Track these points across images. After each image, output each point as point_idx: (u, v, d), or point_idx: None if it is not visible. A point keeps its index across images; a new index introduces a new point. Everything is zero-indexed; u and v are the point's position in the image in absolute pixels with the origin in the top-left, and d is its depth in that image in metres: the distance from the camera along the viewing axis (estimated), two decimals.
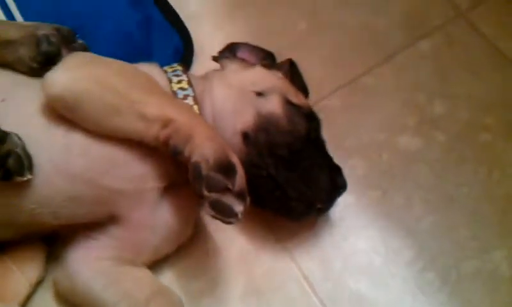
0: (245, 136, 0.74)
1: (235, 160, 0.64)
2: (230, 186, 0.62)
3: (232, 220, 0.63)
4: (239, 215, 0.62)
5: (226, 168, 0.62)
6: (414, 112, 0.92)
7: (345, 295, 0.77)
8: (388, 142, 0.90)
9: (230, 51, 0.86)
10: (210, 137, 0.64)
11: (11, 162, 0.61)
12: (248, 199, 0.64)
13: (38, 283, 0.76)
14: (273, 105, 0.76)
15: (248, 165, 0.71)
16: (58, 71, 0.66)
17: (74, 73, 0.66)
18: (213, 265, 0.79)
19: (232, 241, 0.80)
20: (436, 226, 0.82)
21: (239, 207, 0.62)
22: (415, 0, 1.05)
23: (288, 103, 0.78)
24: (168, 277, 0.77)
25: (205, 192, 0.61)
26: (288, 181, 0.73)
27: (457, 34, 1.00)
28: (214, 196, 0.61)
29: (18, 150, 0.62)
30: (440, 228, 0.82)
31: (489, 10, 1.03)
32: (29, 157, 0.63)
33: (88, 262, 0.70)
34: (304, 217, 0.78)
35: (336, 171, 0.77)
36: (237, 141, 0.74)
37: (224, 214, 0.62)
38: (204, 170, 0.61)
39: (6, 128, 0.63)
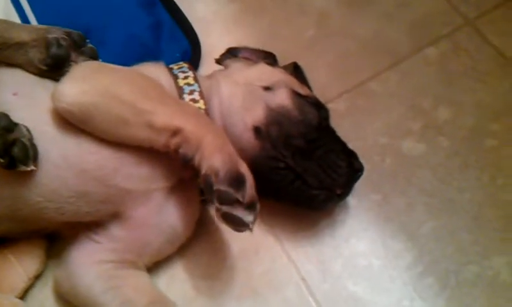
0: (257, 130, 0.75)
1: (244, 168, 0.65)
2: (240, 198, 0.63)
3: (243, 229, 0.64)
4: (250, 225, 0.64)
5: (235, 180, 0.63)
6: (419, 117, 0.92)
7: (342, 297, 0.77)
8: (392, 146, 0.89)
9: (230, 54, 0.87)
10: (219, 147, 0.65)
11: (16, 150, 0.62)
12: (258, 207, 0.65)
13: (37, 277, 0.77)
14: (282, 98, 0.77)
15: (264, 158, 0.73)
16: (66, 84, 0.67)
17: (81, 86, 0.67)
18: (211, 264, 0.79)
19: (230, 241, 0.81)
20: (437, 230, 0.81)
21: (249, 217, 0.64)
22: (422, 8, 1.05)
23: (296, 94, 0.78)
24: (166, 275, 0.78)
25: (217, 205, 0.63)
26: (307, 170, 0.74)
27: (464, 42, 1.00)
28: (224, 208, 0.63)
29: (25, 140, 0.63)
30: (442, 232, 0.81)
31: (497, 18, 1.02)
32: (35, 147, 0.64)
33: (89, 265, 0.71)
34: (326, 205, 0.79)
35: (351, 155, 0.78)
36: (249, 136, 0.75)
37: (236, 225, 0.64)
38: (214, 184, 0.63)
39: (18, 121, 0.65)
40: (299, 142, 0.75)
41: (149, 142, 0.67)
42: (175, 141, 0.65)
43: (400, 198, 0.84)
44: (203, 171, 0.64)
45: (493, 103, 0.93)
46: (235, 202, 0.63)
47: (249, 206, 0.64)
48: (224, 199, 0.63)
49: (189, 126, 0.65)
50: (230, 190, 0.63)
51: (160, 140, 0.66)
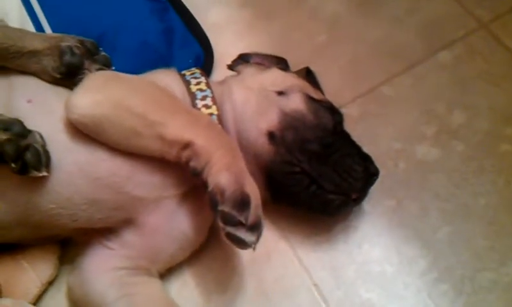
0: (271, 135, 0.75)
1: (251, 188, 0.65)
2: (243, 221, 0.63)
3: (246, 247, 0.65)
4: (252, 246, 0.64)
5: (240, 202, 0.63)
6: (433, 121, 0.91)
7: (355, 304, 0.76)
8: (406, 151, 0.89)
9: (242, 60, 0.88)
10: (228, 165, 0.65)
11: (29, 156, 0.62)
12: (263, 227, 0.65)
13: (50, 283, 0.77)
14: (296, 103, 0.77)
15: (278, 163, 0.73)
16: (78, 95, 0.68)
17: (94, 97, 0.67)
18: (223, 270, 0.79)
19: None
20: (452, 236, 0.80)
21: (251, 238, 0.64)
22: (435, 11, 1.05)
23: (310, 99, 0.78)
24: (178, 280, 0.78)
25: (220, 224, 0.64)
26: (322, 174, 0.74)
27: (479, 46, 0.99)
28: (228, 229, 0.64)
29: (38, 146, 0.64)
30: (457, 238, 0.80)
31: (511, 22, 1.01)
32: (47, 154, 0.65)
33: (102, 272, 0.71)
34: (341, 210, 0.78)
35: (367, 159, 0.77)
36: (263, 141, 0.75)
37: (238, 244, 0.65)
38: (219, 204, 0.63)
39: (32, 128, 0.65)
40: (314, 147, 0.74)
41: (160, 153, 0.67)
42: (185, 154, 0.66)
43: (415, 203, 0.83)
44: (209, 188, 0.64)
45: (508, 107, 0.92)
46: (239, 224, 0.63)
47: (252, 228, 0.64)
48: (228, 221, 0.63)
49: (200, 140, 0.65)
50: (234, 213, 0.63)
51: (171, 152, 0.66)
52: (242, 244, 0.64)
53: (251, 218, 0.63)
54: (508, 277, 0.76)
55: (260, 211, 0.65)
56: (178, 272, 0.78)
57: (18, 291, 0.73)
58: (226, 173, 0.64)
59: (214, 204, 0.64)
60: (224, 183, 0.63)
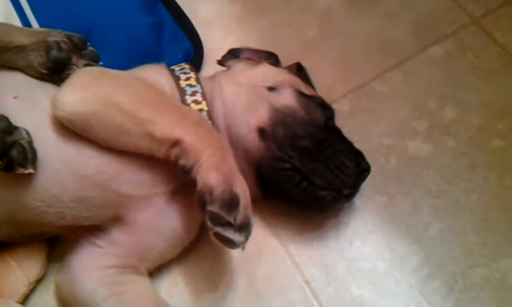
0: (261, 131, 0.74)
1: (240, 188, 0.64)
2: (231, 221, 0.62)
3: (234, 247, 0.64)
4: (241, 246, 0.64)
5: (228, 203, 0.62)
6: (424, 117, 0.91)
7: (347, 301, 0.75)
8: (397, 147, 0.88)
9: (232, 55, 0.87)
10: (217, 164, 0.64)
11: (14, 152, 0.61)
12: (252, 227, 0.65)
13: (38, 281, 0.76)
14: (287, 98, 0.76)
15: (269, 159, 0.73)
16: (65, 92, 0.67)
17: (81, 94, 0.66)
18: (213, 267, 0.79)
19: None
20: (443, 232, 0.80)
21: (239, 238, 0.64)
22: (426, 7, 1.04)
23: (301, 94, 0.77)
24: (168, 278, 0.78)
25: (209, 224, 0.63)
26: (314, 170, 0.73)
27: (470, 41, 0.98)
28: (216, 229, 0.63)
29: (24, 143, 0.62)
30: (448, 234, 0.79)
31: (503, 17, 1.01)
32: (34, 151, 0.63)
33: (91, 271, 0.70)
34: (333, 206, 0.78)
35: (358, 155, 0.77)
36: (253, 137, 0.74)
37: (227, 244, 0.64)
38: (208, 204, 0.62)
39: (18, 124, 0.64)
40: (305, 143, 0.74)
41: (149, 151, 0.66)
42: (174, 152, 0.65)
43: (406, 200, 0.83)
44: (198, 187, 0.63)
45: (499, 102, 0.91)
46: (227, 224, 0.63)
47: (241, 228, 0.63)
48: (216, 221, 0.63)
49: (189, 138, 0.64)
50: (222, 213, 0.62)
51: (160, 150, 0.66)
52: (231, 244, 0.64)
53: (239, 218, 0.63)
54: (500, 273, 0.76)
55: (249, 211, 0.64)
56: (167, 270, 0.78)
57: (5, 291, 0.72)
58: (215, 172, 0.63)
59: (202, 204, 0.63)
60: (212, 182, 0.62)
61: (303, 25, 1.04)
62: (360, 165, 0.76)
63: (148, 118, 0.65)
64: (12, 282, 0.73)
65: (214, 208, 0.62)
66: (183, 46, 0.98)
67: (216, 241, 0.64)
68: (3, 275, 0.73)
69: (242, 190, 0.64)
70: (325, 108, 0.78)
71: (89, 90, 0.67)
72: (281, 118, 0.74)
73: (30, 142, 0.64)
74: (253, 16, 1.06)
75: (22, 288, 0.73)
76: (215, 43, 0.99)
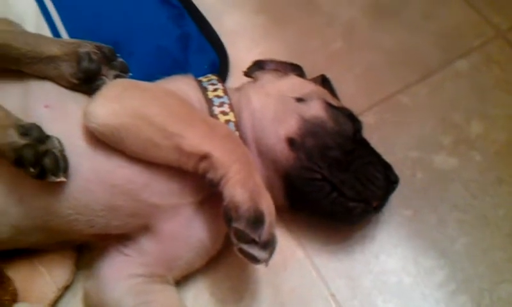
0: (290, 142, 0.74)
1: (266, 205, 0.65)
2: (256, 239, 0.63)
3: (258, 263, 0.65)
4: (264, 263, 0.65)
5: (254, 220, 0.63)
6: (450, 131, 0.90)
7: None
8: (423, 160, 0.88)
9: (258, 67, 0.87)
10: (243, 180, 0.64)
11: (47, 161, 0.62)
12: (276, 244, 0.66)
13: (66, 288, 0.77)
14: (316, 109, 0.76)
15: (299, 169, 0.73)
16: (97, 104, 0.68)
17: (112, 107, 0.67)
18: (239, 278, 0.79)
19: None
20: (470, 247, 0.79)
21: (263, 256, 0.64)
22: (453, 20, 1.04)
23: (330, 106, 0.78)
24: (194, 288, 0.78)
25: (234, 240, 0.64)
26: (344, 181, 0.73)
27: (496, 54, 0.98)
28: (240, 245, 0.64)
29: (56, 152, 0.64)
30: (475, 249, 0.79)
31: None
32: (65, 159, 0.65)
33: (119, 280, 0.71)
34: (362, 218, 0.78)
35: (387, 167, 0.77)
36: (282, 147, 0.74)
37: (250, 260, 0.65)
38: (233, 220, 0.63)
39: (49, 133, 0.65)
40: (335, 154, 0.74)
41: (178, 163, 0.67)
42: (202, 166, 0.66)
43: (432, 214, 0.83)
44: (224, 202, 0.64)
45: None
46: (252, 241, 0.63)
47: (265, 245, 0.64)
48: (241, 238, 0.63)
49: (217, 152, 0.65)
50: (247, 231, 0.63)
51: (189, 163, 0.66)
52: (255, 260, 0.64)
53: (264, 236, 0.63)
54: None
55: (273, 228, 0.65)
56: (193, 280, 0.78)
57: (34, 296, 0.73)
58: (241, 188, 0.64)
59: (228, 220, 0.64)
60: (239, 199, 0.63)
61: (327, 38, 1.05)
62: (389, 177, 0.76)
63: (177, 132, 0.65)
64: (41, 287, 0.74)
65: (239, 225, 0.63)
66: (209, 57, 0.99)
67: (241, 256, 0.65)
68: (32, 281, 0.74)
69: (268, 207, 0.65)
70: (353, 120, 0.79)
71: (119, 103, 0.68)
72: (310, 128, 0.74)
73: (62, 151, 0.65)
74: (277, 28, 1.07)
75: (50, 294, 0.74)
76: (240, 55, 1.00)
